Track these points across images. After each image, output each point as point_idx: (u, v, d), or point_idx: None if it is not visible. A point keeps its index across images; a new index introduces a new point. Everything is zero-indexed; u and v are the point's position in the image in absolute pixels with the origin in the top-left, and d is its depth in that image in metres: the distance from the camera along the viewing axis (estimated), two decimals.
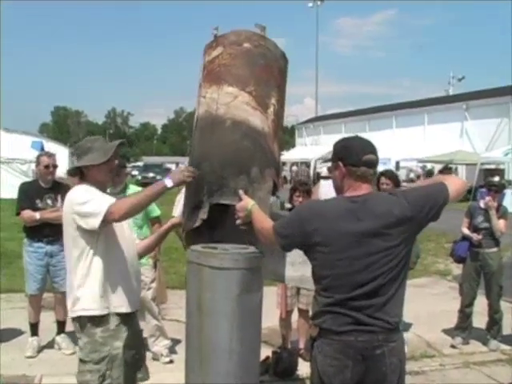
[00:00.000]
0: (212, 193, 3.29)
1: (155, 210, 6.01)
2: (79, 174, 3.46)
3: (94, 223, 3.16)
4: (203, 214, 3.29)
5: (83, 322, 3.33)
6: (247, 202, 3.13)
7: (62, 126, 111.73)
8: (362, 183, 2.78)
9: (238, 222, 3.18)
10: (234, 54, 3.50)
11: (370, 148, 2.82)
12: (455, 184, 2.86)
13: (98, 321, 3.30)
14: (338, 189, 2.92)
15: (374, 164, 2.80)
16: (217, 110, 3.39)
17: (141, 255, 3.80)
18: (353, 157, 2.78)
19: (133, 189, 5.86)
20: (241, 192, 3.21)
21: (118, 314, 3.36)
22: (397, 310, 2.77)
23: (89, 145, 3.46)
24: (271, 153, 3.47)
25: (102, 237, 3.28)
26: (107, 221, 3.18)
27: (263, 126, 3.42)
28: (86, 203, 3.21)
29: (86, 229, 3.22)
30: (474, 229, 6.76)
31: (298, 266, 3.90)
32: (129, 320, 3.43)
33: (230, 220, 3.33)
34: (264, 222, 3.02)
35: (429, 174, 34.03)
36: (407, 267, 2.81)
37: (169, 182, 3.22)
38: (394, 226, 2.69)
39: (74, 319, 3.38)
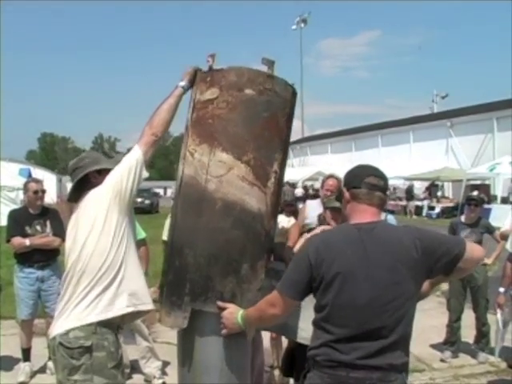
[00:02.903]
0: (195, 296, 2.99)
1: (140, 233, 6.04)
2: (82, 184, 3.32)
3: (140, 160, 3.16)
4: (183, 321, 3.02)
5: (100, 355, 3.05)
6: (235, 313, 2.92)
7: (49, 152, 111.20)
8: (366, 206, 2.67)
9: (224, 332, 2.98)
10: (233, 104, 3.04)
11: (373, 172, 2.75)
12: (474, 246, 2.72)
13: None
14: (345, 217, 2.83)
15: (376, 187, 2.69)
16: (206, 183, 3.00)
17: None
18: (355, 180, 2.73)
19: None
20: (221, 304, 2.97)
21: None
22: (400, 352, 2.56)
23: (95, 155, 3.44)
24: (266, 235, 3.14)
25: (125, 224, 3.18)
26: (151, 143, 3.20)
27: (260, 206, 3.06)
28: (120, 167, 3.16)
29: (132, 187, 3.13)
30: None
31: None
32: None
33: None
34: (260, 311, 2.81)
35: (408, 191, 34.31)
36: (414, 310, 2.63)
37: (181, 83, 3.18)
38: (402, 258, 2.53)
39: (84, 349, 3.02)
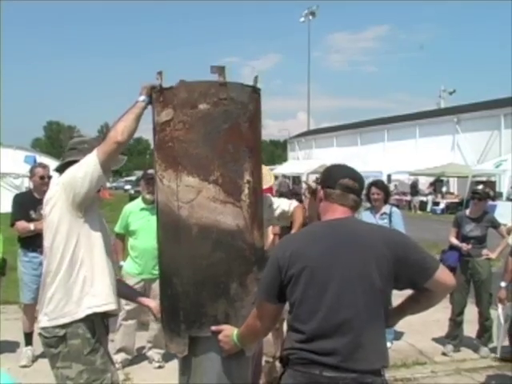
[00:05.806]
0: (190, 323, 2.98)
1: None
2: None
3: (96, 168, 3.02)
4: (184, 348, 3.01)
5: (76, 342, 3.13)
6: (230, 335, 2.90)
7: (55, 140, 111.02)
8: (338, 206, 2.65)
9: (224, 355, 2.98)
10: (189, 123, 2.92)
11: (350, 174, 2.71)
12: (447, 272, 2.60)
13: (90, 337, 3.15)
14: (318, 213, 2.80)
15: (351, 189, 2.65)
16: (179, 209, 2.94)
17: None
18: (330, 179, 2.71)
19: None
20: (214, 328, 2.94)
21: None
22: (375, 353, 2.49)
23: (95, 145, 3.23)
24: (251, 247, 3.07)
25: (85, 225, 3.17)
26: (111, 152, 3.02)
27: (237, 222, 2.99)
28: (77, 171, 3.08)
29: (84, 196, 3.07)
30: (463, 238, 6.88)
31: None
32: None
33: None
34: (250, 327, 2.79)
35: (413, 186, 34.28)
36: (385, 309, 2.56)
37: (140, 98, 3.05)
38: (371, 252, 2.49)
39: (59, 338, 3.13)
